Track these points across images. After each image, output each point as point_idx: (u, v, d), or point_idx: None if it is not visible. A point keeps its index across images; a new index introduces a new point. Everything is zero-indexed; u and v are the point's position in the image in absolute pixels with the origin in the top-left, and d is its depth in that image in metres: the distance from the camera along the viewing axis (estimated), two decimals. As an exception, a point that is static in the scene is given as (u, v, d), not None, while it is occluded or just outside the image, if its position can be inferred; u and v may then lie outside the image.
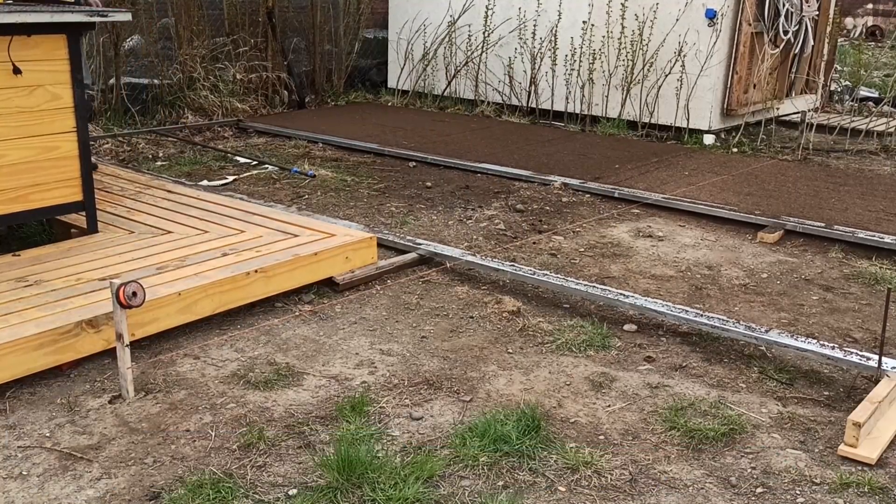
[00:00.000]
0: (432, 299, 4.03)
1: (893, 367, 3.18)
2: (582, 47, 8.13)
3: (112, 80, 7.71)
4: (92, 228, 4.25)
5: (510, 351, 3.52)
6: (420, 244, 4.57)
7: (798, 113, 8.22)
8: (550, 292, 4.12)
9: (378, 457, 2.69)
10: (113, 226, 4.39)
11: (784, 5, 7.68)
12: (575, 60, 8.19)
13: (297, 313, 3.83)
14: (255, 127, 7.86)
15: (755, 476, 2.70)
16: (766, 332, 3.48)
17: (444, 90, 9.22)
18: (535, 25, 8.39)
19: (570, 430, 2.93)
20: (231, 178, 6.08)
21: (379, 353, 3.46)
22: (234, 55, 8.46)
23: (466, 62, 8.99)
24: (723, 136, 7.83)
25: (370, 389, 3.16)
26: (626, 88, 7.95)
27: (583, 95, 8.23)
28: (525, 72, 8.59)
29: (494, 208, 5.54)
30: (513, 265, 4.26)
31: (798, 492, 2.62)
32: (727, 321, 3.59)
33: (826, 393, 3.25)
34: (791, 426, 3.00)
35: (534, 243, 4.85)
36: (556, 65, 8.34)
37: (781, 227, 5.12)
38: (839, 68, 10.11)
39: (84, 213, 4.23)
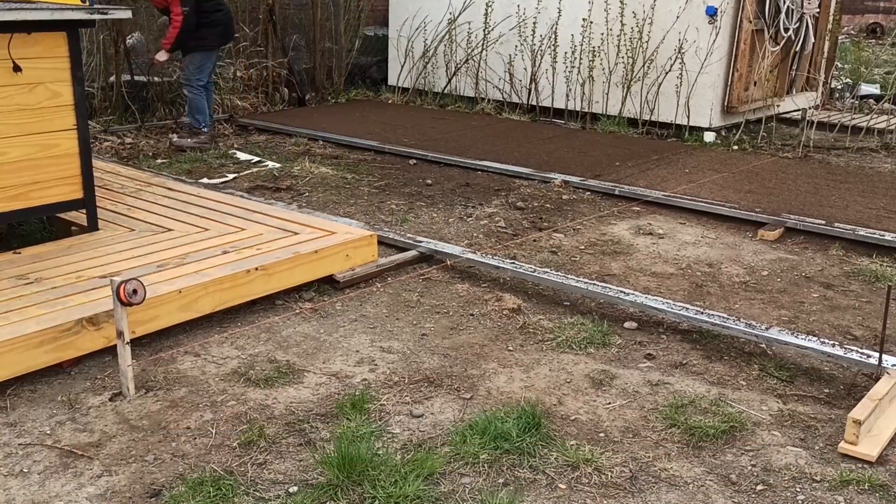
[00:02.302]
0: (433, 297, 4.04)
1: (894, 365, 3.18)
2: (582, 45, 8.12)
3: (112, 78, 7.70)
4: (92, 226, 4.25)
5: (510, 348, 3.52)
6: (420, 242, 4.57)
7: (798, 110, 8.21)
8: (551, 290, 4.13)
9: (378, 454, 2.69)
10: (113, 223, 4.39)
11: (784, 3, 7.67)
12: (575, 58, 8.18)
13: (297, 311, 3.84)
14: (255, 124, 7.85)
15: (755, 473, 2.70)
16: (767, 329, 3.49)
17: (445, 88, 9.22)
18: (535, 23, 8.39)
19: (571, 427, 2.93)
20: (231, 176, 6.08)
21: (379, 351, 3.46)
22: (235, 52, 8.46)
23: (467, 60, 8.99)
24: (723, 133, 7.83)
25: (370, 387, 3.16)
26: (626, 86, 7.95)
27: (583, 93, 8.23)
28: (525, 69, 8.59)
29: (495, 206, 5.54)
30: (513, 263, 4.26)
31: (798, 489, 2.62)
32: (727, 319, 3.59)
33: (826, 390, 3.25)
34: (791, 424, 3.00)
35: (534, 241, 4.86)
36: (556, 62, 8.34)
37: (782, 225, 5.12)
38: (840, 66, 10.10)
39: (84, 211, 4.23)
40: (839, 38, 10.03)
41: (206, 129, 6.96)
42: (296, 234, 4.27)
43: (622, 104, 8.04)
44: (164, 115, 7.90)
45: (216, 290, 3.61)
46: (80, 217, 4.26)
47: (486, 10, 8.65)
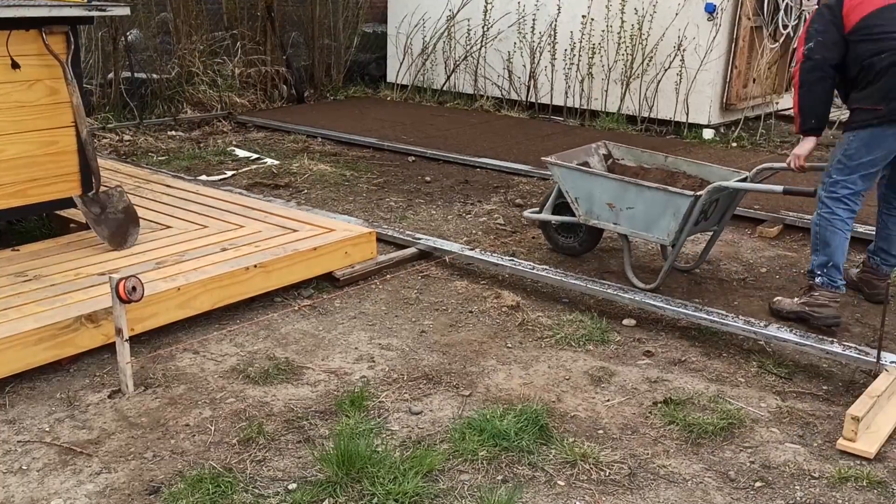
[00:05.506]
0: (431, 294, 4.04)
1: (892, 362, 3.18)
2: (581, 41, 8.12)
3: (111, 75, 7.69)
4: (91, 223, 4.25)
5: (509, 345, 3.53)
6: (419, 239, 4.57)
7: (797, 107, 8.20)
8: (549, 287, 4.13)
9: (377, 451, 2.69)
10: (112, 220, 4.38)
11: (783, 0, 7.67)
12: (574, 55, 8.18)
13: (296, 308, 3.84)
14: (253, 121, 7.85)
15: (754, 470, 2.70)
16: (765, 326, 3.49)
17: (444, 85, 9.21)
18: (534, 20, 8.38)
19: (570, 424, 2.94)
20: (230, 173, 6.08)
21: (378, 348, 3.46)
22: (233, 50, 8.45)
23: (465, 57, 8.98)
24: (722, 130, 7.83)
25: (369, 384, 3.16)
26: (625, 83, 7.94)
27: (582, 90, 8.23)
28: (524, 66, 8.58)
29: (494, 203, 5.54)
30: (512, 260, 4.26)
31: (797, 486, 2.63)
32: (726, 316, 3.59)
33: (825, 387, 3.25)
34: (790, 420, 3.00)
35: (533, 238, 4.85)
36: (555, 59, 8.33)
37: (781, 222, 5.12)
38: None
39: (83, 208, 4.22)
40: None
41: (839, 285, 3.75)
42: (294, 231, 4.27)
43: (621, 101, 8.04)
44: (162, 112, 7.89)
45: (215, 287, 3.61)
46: (78, 214, 4.25)
47: (486, 6, 8.64)
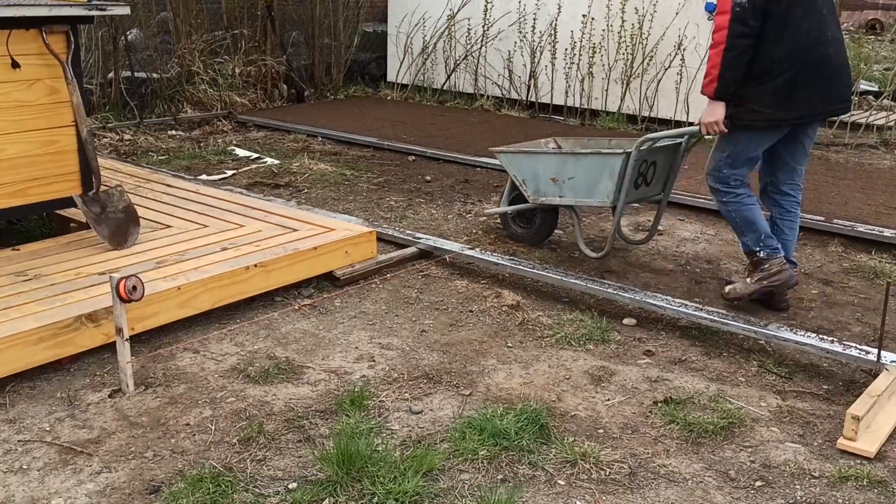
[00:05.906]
0: (432, 293, 4.04)
1: (892, 361, 3.18)
2: (581, 41, 8.12)
3: (111, 74, 7.69)
4: (91, 223, 4.24)
5: (510, 345, 3.53)
6: (419, 238, 4.57)
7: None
8: (550, 286, 4.13)
9: (378, 450, 2.69)
10: (112, 220, 4.38)
11: (784, -1, 7.67)
12: (574, 54, 8.18)
13: (296, 307, 3.84)
14: (253, 121, 7.85)
15: (754, 469, 2.70)
16: (766, 325, 3.49)
17: (444, 84, 9.22)
18: (534, 19, 8.39)
19: (570, 423, 2.94)
20: (230, 173, 6.08)
21: (378, 347, 3.46)
22: (233, 49, 8.45)
23: (466, 56, 8.98)
24: (722, 129, 7.82)
25: (370, 383, 3.16)
26: (625, 82, 7.95)
27: (582, 89, 8.23)
28: (524, 66, 8.59)
29: (494, 202, 5.53)
30: (512, 259, 4.26)
31: (797, 485, 2.63)
32: (726, 315, 3.59)
33: (825, 386, 3.25)
34: (790, 420, 3.00)
35: (533, 237, 4.85)
36: (555, 59, 8.33)
37: (781, 221, 5.11)
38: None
39: (83, 208, 4.22)
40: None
41: (778, 247, 3.79)
42: (295, 230, 4.27)
43: (621, 100, 8.04)
44: (162, 111, 7.89)
45: (215, 286, 3.61)
46: (78, 214, 4.25)
47: (486, 6, 8.64)
